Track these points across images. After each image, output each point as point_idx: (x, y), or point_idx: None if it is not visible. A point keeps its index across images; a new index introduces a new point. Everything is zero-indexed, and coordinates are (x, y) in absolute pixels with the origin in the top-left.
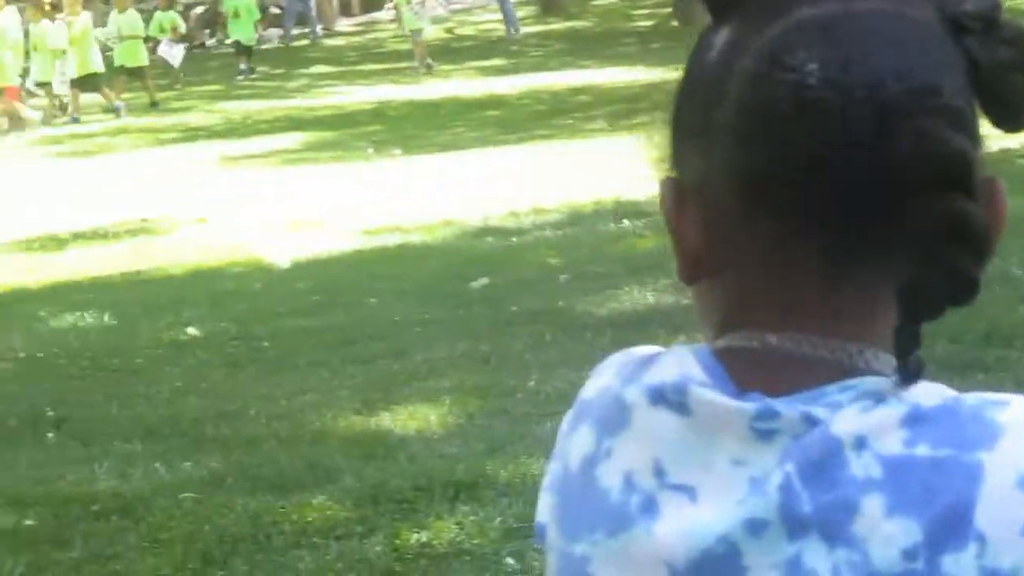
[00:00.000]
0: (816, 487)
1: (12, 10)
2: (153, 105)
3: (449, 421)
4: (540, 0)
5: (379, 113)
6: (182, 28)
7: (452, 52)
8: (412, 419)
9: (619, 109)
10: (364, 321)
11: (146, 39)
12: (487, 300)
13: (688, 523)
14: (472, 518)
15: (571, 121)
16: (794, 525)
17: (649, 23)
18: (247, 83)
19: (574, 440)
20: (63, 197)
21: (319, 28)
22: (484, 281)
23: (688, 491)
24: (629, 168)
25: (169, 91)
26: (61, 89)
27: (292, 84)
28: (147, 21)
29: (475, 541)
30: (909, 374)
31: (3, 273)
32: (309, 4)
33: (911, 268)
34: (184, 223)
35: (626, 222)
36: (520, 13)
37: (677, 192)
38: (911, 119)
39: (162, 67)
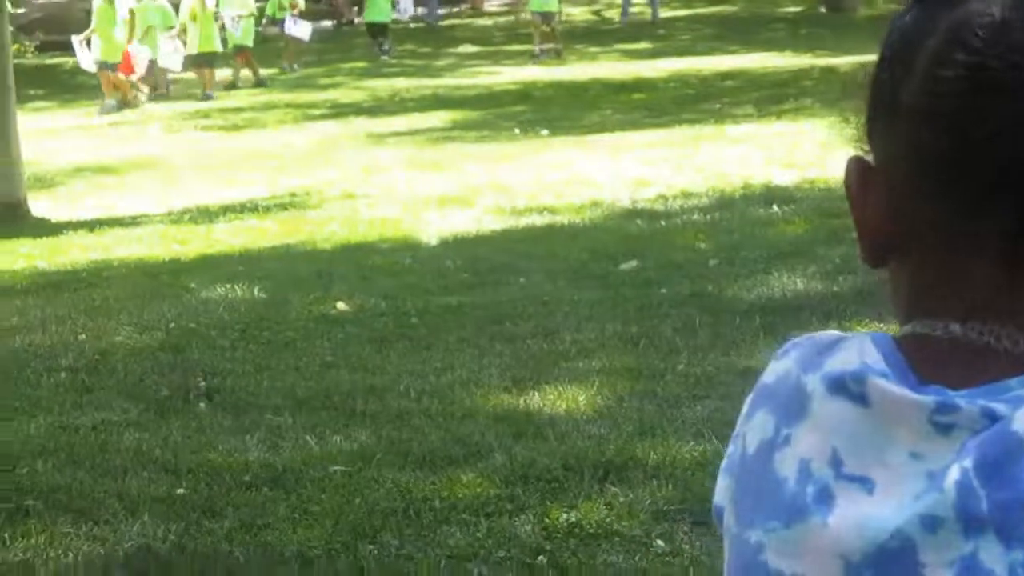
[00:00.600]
0: (994, 485)
1: None
2: (259, 84)
3: (598, 402)
4: None
5: (525, 94)
6: (301, 4)
7: (598, 35)
8: (561, 399)
9: (767, 94)
10: (512, 300)
11: (260, 20)
12: (636, 282)
13: (863, 516)
14: (621, 499)
15: (719, 106)
16: (970, 523)
17: (797, 9)
18: (394, 61)
19: (752, 424)
20: (212, 170)
21: (439, 12)
22: (633, 263)
23: (865, 483)
24: (778, 153)
25: (316, 67)
26: (167, 63)
27: (439, 63)
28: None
29: (624, 523)
30: None
31: (155, 245)
32: None
33: None
34: (332, 198)
35: (775, 208)
36: None
37: (861, 171)
38: None
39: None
